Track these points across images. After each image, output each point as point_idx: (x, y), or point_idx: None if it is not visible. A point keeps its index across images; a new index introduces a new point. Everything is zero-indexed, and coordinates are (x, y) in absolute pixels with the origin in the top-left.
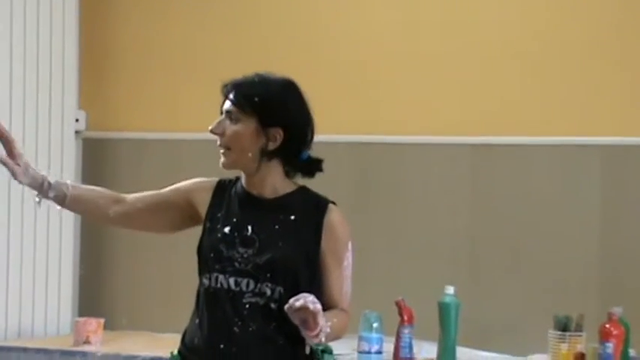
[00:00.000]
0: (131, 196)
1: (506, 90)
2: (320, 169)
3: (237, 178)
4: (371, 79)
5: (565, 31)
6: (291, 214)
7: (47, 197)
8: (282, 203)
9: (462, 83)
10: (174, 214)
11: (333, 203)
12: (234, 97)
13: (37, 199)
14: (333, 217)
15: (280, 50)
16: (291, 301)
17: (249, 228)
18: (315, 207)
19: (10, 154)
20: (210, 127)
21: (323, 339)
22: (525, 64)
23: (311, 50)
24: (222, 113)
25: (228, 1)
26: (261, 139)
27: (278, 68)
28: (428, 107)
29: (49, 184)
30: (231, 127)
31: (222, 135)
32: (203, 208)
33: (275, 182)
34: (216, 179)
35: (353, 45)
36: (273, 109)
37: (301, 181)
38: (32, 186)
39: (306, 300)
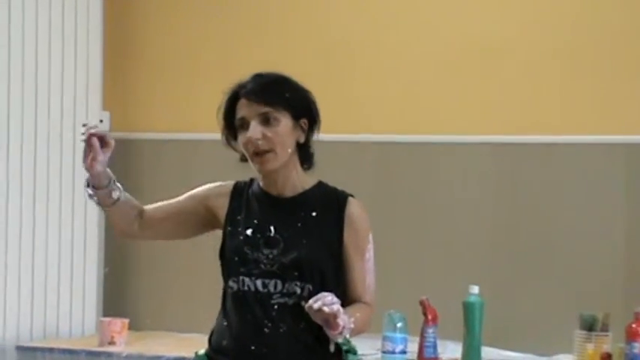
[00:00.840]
0: (150, 207)
1: (530, 88)
2: (313, 163)
3: (252, 180)
4: (394, 79)
5: (590, 29)
6: (312, 211)
7: (103, 194)
8: (302, 200)
9: (484, 81)
10: (194, 221)
11: (352, 196)
12: (266, 98)
13: (90, 192)
14: (354, 209)
15: (300, 51)
16: (310, 302)
17: (272, 228)
18: (335, 201)
19: (102, 141)
20: (247, 135)
21: (347, 335)
22: (549, 63)
23: (334, 49)
24: (233, 120)
25: (248, 4)
26: (296, 134)
27: (299, 69)
28: (451, 106)
29: (115, 183)
30: (270, 129)
31: (262, 139)
32: (222, 213)
33: (295, 178)
34: (232, 182)
35: (369, 43)
36: (301, 102)
37: (322, 177)
38: (100, 178)
39: (323, 301)
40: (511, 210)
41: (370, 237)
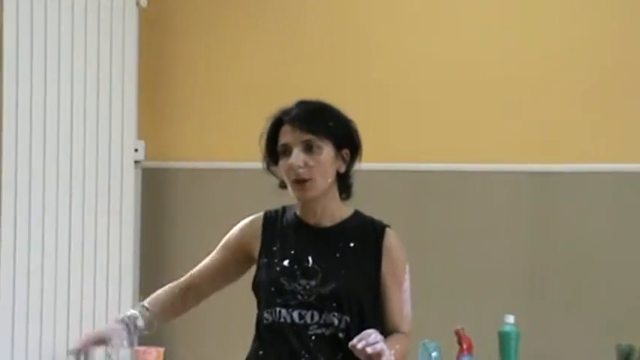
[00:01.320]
0: (193, 278)
1: (567, 116)
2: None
3: (285, 208)
4: (428, 106)
5: (626, 53)
6: (350, 241)
7: (136, 336)
8: (340, 230)
9: (520, 109)
10: (236, 268)
11: (389, 227)
12: (310, 125)
13: (109, 353)
14: (391, 240)
15: (336, 76)
16: (354, 341)
17: (310, 259)
18: (372, 232)
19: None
20: (290, 161)
21: None
22: (587, 90)
23: (366, 77)
24: (275, 145)
25: (283, 31)
26: (337, 163)
27: (334, 95)
28: (486, 134)
29: (136, 327)
30: (313, 157)
31: (303, 167)
32: (257, 249)
33: (334, 208)
34: (261, 214)
35: (406, 71)
36: (344, 132)
37: (356, 205)
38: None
39: (367, 341)
40: (547, 239)
41: (407, 268)
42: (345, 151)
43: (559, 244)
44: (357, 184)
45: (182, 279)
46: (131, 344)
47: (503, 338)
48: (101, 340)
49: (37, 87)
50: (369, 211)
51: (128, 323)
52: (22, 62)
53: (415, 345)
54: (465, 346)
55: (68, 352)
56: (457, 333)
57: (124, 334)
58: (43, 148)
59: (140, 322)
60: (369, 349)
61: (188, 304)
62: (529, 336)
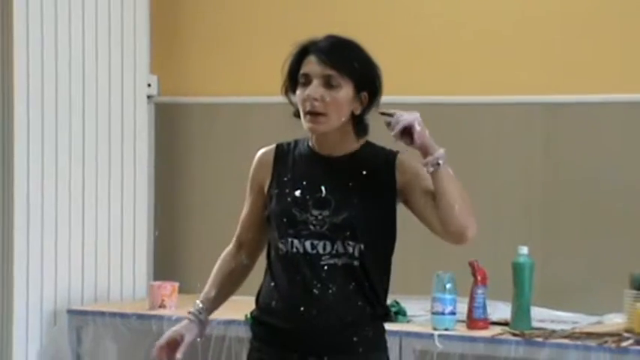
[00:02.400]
0: (239, 237)
1: (582, 47)
2: (367, 132)
3: (297, 141)
4: (443, 39)
5: None
6: (363, 170)
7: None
8: (353, 160)
9: (533, 42)
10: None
11: (400, 152)
12: (335, 61)
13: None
14: (403, 158)
15: (350, 9)
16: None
17: (323, 189)
18: (384, 158)
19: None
20: (307, 92)
21: (441, 162)
22: (602, 20)
23: (382, 8)
24: (297, 74)
25: None
26: (354, 104)
27: (349, 27)
28: (499, 66)
29: (199, 311)
30: (330, 93)
31: (319, 100)
32: (269, 180)
33: (345, 141)
34: (273, 146)
35: (425, 5)
36: (367, 75)
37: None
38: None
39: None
40: (560, 169)
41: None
42: (364, 94)
43: (572, 175)
44: (373, 118)
45: (230, 245)
46: (200, 336)
47: (517, 269)
48: (174, 341)
49: (48, 20)
50: (385, 144)
51: (196, 318)
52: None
53: (429, 276)
54: (479, 278)
55: None
56: (471, 264)
57: (195, 329)
58: (55, 84)
59: (203, 317)
60: (397, 127)
61: (245, 265)
62: (543, 267)
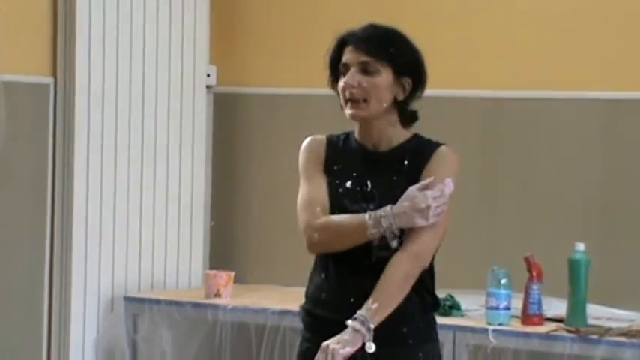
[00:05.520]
0: (324, 211)
1: (639, 43)
2: (417, 118)
3: (347, 134)
4: (501, 33)
5: None
6: (405, 160)
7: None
8: (397, 153)
9: (593, 36)
10: None
11: (444, 145)
12: (370, 48)
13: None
14: (440, 153)
15: (405, 3)
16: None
17: (369, 183)
18: (426, 151)
19: None
20: (345, 80)
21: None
22: None
23: (434, 3)
24: (338, 64)
25: None
26: (395, 89)
27: (403, 20)
28: (559, 61)
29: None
30: (368, 79)
31: (357, 87)
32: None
33: (391, 133)
34: (324, 137)
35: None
36: (407, 59)
37: (426, 133)
38: None
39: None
40: (618, 166)
41: (449, 181)
42: (407, 80)
43: (630, 171)
44: (427, 111)
45: (311, 219)
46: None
47: (573, 266)
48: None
49: (110, 11)
50: (437, 137)
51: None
52: None
53: (485, 271)
54: (534, 273)
55: None
56: (527, 260)
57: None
58: (116, 75)
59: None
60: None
61: None
62: (599, 264)
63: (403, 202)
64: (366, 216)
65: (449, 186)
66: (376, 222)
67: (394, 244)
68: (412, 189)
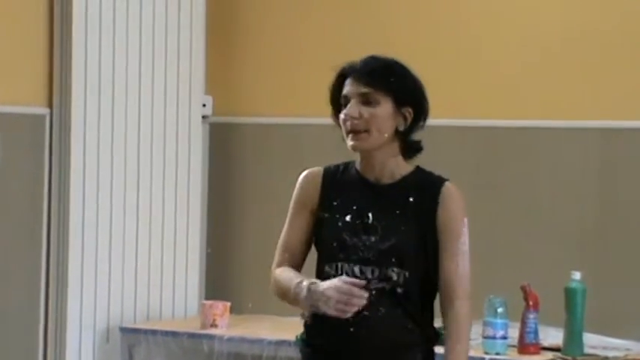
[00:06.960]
0: (283, 258)
1: (638, 73)
2: (421, 149)
3: (347, 165)
4: (498, 63)
5: None
6: (410, 197)
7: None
8: (400, 187)
9: (590, 66)
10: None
11: (448, 180)
12: (370, 79)
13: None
14: (448, 192)
15: (401, 33)
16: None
17: (370, 215)
18: (431, 185)
19: None
20: (345, 112)
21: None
22: None
23: (432, 32)
24: (339, 96)
25: None
26: (396, 120)
27: (400, 51)
28: (556, 91)
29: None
30: (369, 110)
31: (358, 118)
32: (317, 202)
33: (393, 165)
34: (320, 169)
35: (476, 28)
36: (407, 88)
37: (423, 162)
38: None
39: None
40: (615, 195)
41: (465, 222)
42: (408, 110)
43: (626, 201)
44: (426, 140)
45: (274, 266)
46: None
47: (570, 294)
48: None
49: (106, 41)
50: (435, 167)
51: None
52: (90, 20)
53: (481, 300)
54: (531, 302)
55: None
56: (523, 289)
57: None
58: (112, 104)
59: None
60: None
61: None
62: (595, 293)
63: (327, 290)
64: (292, 284)
65: (466, 226)
66: (298, 292)
67: (394, 276)
68: (345, 280)
